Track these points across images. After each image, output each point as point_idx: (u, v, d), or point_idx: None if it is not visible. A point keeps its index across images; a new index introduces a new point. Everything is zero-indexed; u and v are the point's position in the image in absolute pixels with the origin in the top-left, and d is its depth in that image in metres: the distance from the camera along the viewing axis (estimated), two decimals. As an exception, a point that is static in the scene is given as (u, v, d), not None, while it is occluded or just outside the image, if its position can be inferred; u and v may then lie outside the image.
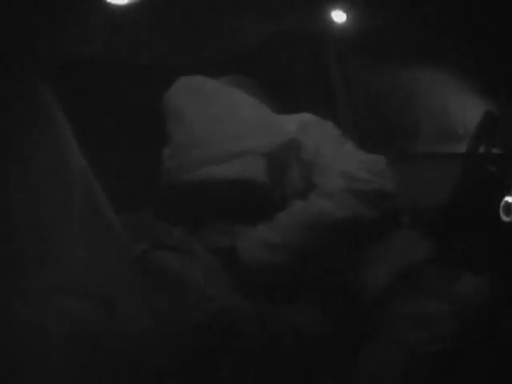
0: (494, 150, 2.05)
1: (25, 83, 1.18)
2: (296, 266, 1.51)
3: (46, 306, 1.11)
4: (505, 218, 1.87)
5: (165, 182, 1.69)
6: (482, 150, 2.03)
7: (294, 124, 1.74)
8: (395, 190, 1.59)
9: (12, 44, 1.27)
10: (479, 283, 1.72)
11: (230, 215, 1.59)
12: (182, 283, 1.41)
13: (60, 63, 2.01)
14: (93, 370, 1.14)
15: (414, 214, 1.91)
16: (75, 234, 1.19)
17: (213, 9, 2.14)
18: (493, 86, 2.27)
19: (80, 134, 1.28)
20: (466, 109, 2.39)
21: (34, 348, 1.08)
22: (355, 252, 1.60)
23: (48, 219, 1.15)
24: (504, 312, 1.68)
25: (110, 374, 1.16)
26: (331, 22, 2.47)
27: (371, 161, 1.64)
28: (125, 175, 2.01)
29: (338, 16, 2.46)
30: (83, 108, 1.78)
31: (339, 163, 1.62)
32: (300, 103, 1.96)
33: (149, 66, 2.37)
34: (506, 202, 1.87)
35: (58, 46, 2.04)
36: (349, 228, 1.52)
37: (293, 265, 1.50)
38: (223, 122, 1.67)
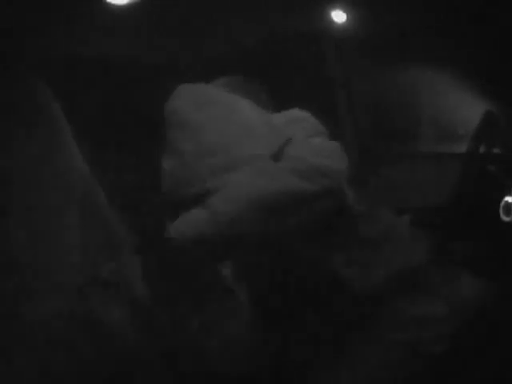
0: (494, 150, 2.05)
1: (24, 83, 1.18)
2: (230, 242, 1.50)
3: (46, 306, 1.11)
4: (505, 218, 1.87)
5: (171, 194, 1.68)
6: (482, 149, 2.03)
7: (286, 122, 1.77)
8: (336, 167, 1.57)
9: (12, 44, 1.27)
10: (479, 283, 1.72)
11: None
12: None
13: (60, 63, 2.01)
14: (92, 370, 1.14)
15: (414, 214, 1.91)
16: (75, 234, 1.19)
17: (213, 9, 2.14)
18: (493, 86, 2.27)
19: (80, 134, 1.28)
20: (466, 109, 2.40)
21: (33, 348, 1.08)
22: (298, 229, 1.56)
23: (47, 219, 1.15)
24: (504, 312, 1.68)
25: (110, 373, 1.16)
26: (331, 22, 2.47)
27: (322, 145, 1.65)
28: (125, 175, 2.01)
29: (338, 16, 2.46)
30: (83, 108, 1.78)
31: (295, 151, 1.62)
32: (300, 103, 1.96)
33: (149, 66, 2.37)
34: (506, 202, 1.87)
35: (58, 46, 2.04)
36: (282, 201, 1.51)
37: (225, 240, 1.50)
38: (228, 129, 1.66)
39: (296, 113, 1.81)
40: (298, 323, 1.57)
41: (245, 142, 1.63)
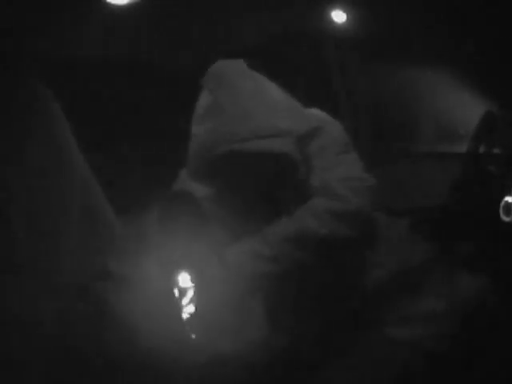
0: (494, 150, 2.05)
1: (24, 83, 1.18)
2: (283, 277, 1.58)
3: (46, 306, 1.11)
4: (505, 218, 1.87)
5: (198, 155, 1.74)
6: (481, 149, 2.03)
7: (314, 114, 1.83)
8: (370, 209, 1.66)
9: (12, 44, 1.27)
10: (479, 283, 1.72)
11: (267, 187, 1.70)
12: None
13: (60, 63, 2.01)
14: (92, 370, 1.14)
15: (414, 214, 1.91)
16: (74, 235, 1.19)
17: (213, 9, 2.14)
18: (493, 86, 2.27)
19: (80, 134, 1.28)
20: (466, 109, 2.39)
21: (32, 348, 1.08)
22: (337, 265, 1.66)
23: (47, 219, 1.15)
24: (504, 312, 1.68)
25: (109, 374, 1.16)
26: (331, 22, 2.47)
27: (358, 178, 1.70)
28: (125, 175, 2.01)
29: (338, 16, 2.46)
30: (83, 108, 1.78)
31: (334, 172, 1.69)
32: (300, 103, 1.96)
33: (149, 66, 2.37)
34: (506, 202, 1.87)
35: (58, 46, 2.04)
36: (327, 244, 1.61)
37: (280, 275, 1.58)
38: (266, 100, 1.75)
39: (321, 113, 1.85)
40: (299, 323, 1.58)
41: (280, 115, 1.73)
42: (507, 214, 1.85)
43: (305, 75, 2.63)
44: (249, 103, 1.72)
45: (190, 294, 1.55)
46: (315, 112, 1.86)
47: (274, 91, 1.80)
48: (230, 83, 1.76)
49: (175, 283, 1.54)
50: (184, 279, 1.56)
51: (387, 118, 2.72)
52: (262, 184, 1.71)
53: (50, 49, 1.99)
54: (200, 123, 1.76)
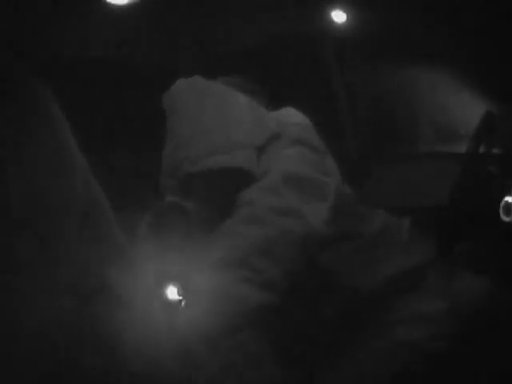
0: (494, 150, 2.04)
1: (24, 83, 1.18)
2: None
3: (46, 306, 1.11)
4: (505, 218, 1.87)
5: (167, 175, 1.73)
6: (482, 150, 2.03)
7: (276, 119, 1.82)
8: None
9: (12, 44, 1.27)
10: (479, 283, 1.72)
11: (227, 201, 1.67)
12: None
13: (60, 63, 2.01)
14: (91, 370, 1.14)
15: (414, 214, 1.91)
16: (74, 234, 1.19)
17: (212, 9, 2.14)
18: (493, 86, 2.27)
19: (80, 134, 1.28)
20: (466, 109, 2.39)
21: (32, 348, 1.08)
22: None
23: (47, 219, 1.15)
24: (504, 312, 1.68)
25: (109, 374, 1.16)
26: (331, 22, 2.47)
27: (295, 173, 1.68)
28: (125, 175, 2.01)
29: (338, 16, 2.46)
30: (83, 108, 1.78)
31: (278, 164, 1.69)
32: (300, 103, 1.96)
33: (149, 66, 2.37)
34: (506, 201, 1.87)
35: (58, 46, 2.04)
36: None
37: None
38: (222, 116, 1.74)
39: (286, 114, 1.85)
40: (300, 324, 1.57)
41: (233, 130, 1.71)
42: (507, 214, 1.85)
43: (304, 75, 2.63)
44: (201, 123, 1.71)
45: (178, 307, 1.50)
46: (284, 113, 1.85)
47: (234, 104, 1.78)
48: (183, 106, 1.76)
49: (164, 296, 1.49)
50: (172, 292, 1.50)
51: (387, 118, 2.72)
52: (229, 200, 1.68)
53: (49, 49, 1.99)
54: (166, 146, 1.77)
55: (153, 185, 1.82)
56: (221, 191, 1.69)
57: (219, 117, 1.73)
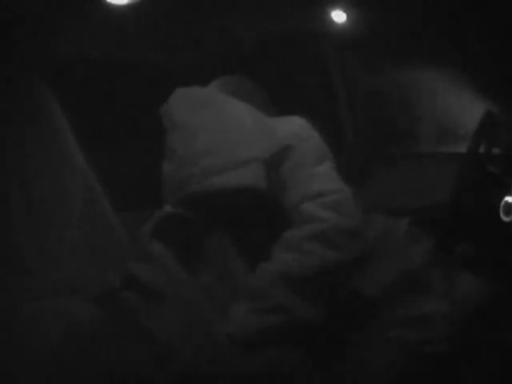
0: (494, 150, 2.04)
1: (24, 83, 1.18)
2: (285, 323, 1.51)
3: (46, 306, 1.11)
4: (505, 218, 1.87)
5: (168, 196, 1.69)
6: (481, 150, 2.03)
7: (287, 129, 1.73)
8: (353, 223, 1.58)
9: (12, 44, 1.27)
10: (479, 283, 1.72)
11: (236, 223, 1.60)
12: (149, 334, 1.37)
13: (60, 63, 2.01)
14: (91, 370, 1.14)
15: (414, 215, 1.91)
16: (75, 234, 1.19)
17: (213, 9, 2.14)
18: (493, 86, 2.27)
19: (80, 134, 1.28)
20: (466, 109, 2.39)
21: (32, 348, 1.08)
22: (336, 291, 1.60)
23: (47, 219, 1.15)
24: (504, 312, 1.68)
25: (109, 374, 1.16)
26: (331, 22, 2.46)
27: (331, 191, 1.62)
28: (125, 175, 2.01)
29: (338, 16, 2.46)
30: (83, 108, 1.77)
31: (305, 190, 1.61)
32: (300, 103, 1.96)
33: (149, 66, 2.37)
34: (506, 201, 1.87)
35: (58, 46, 2.04)
36: (320, 273, 1.54)
37: (281, 322, 1.50)
38: (224, 131, 1.67)
39: (297, 124, 1.78)
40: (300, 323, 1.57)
41: (239, 145, 1.63)
42: (507, 214, 1.85)
43: (304, 75, 2.63)
44: (201, 140, 1.64)
45: None
46: (292, 123, 1.79)
47: (236, 115, 1.71)
48: (182, 122, 1.69)
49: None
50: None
51: (387, 118, 2.72)
52: (235, 221, 1.61)
53: (50, 49, 1.99)
54: (165, 162, 1.71)
55: (153, 185, 1.81)
56: (227, 210, 1.61)
57: (220, 132, 1.66)
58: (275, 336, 1.49)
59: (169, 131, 1.72)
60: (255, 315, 1.50)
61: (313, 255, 1.53)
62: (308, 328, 1.52)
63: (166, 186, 1.71)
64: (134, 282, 1.44)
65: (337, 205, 1.59)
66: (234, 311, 1.52)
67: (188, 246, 1.57)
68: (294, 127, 1.75)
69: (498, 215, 1.87)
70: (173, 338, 1.31)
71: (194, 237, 1.59)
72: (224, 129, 1.68)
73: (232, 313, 1.52)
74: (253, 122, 1.71)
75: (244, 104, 1.76)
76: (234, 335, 1.47)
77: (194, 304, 1.42)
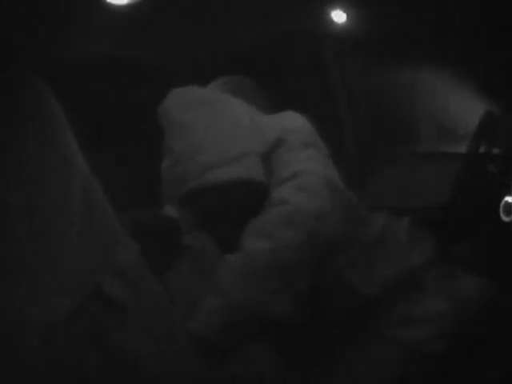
0: (494, 150, 2.04)
1: (24, 83, 1.18)
2: (249, 320, 1.50)
3: (46, 306, 1.11)
4: (505, 218, 1.87)
5: (167, 193, 1.70)
6: (482, 150, 2.03)
7: (279, 123, 1.77)
8: (321, 205, 1.57)
9: (12, 44, 1.27)
10: (479, 283, 1.72)
11: (235, 216, 1.62)
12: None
13: (60, 63, 2.01)
14: (91, 371, 1.14)
15: (414, 214, 1.91)
16: (74, 234, 1.19)
17: (212, 9, 2.14)
18: (493, 86, 2.27)
19: (80, 134, 1.28)
20: (466, 109, 2.39)
21: (32, 348, 1.08)
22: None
23: (47, 219, 1.15)
24: (504, 312, 1.68)
25: (109, 374, 1.16)
26: (331, 21, 2.47)
27: (304, 172, 1.63)
28: (125, 175, 2.01)
29: (338, 16, 2.46)
30: (83, 108, 1.78)
31: (284, 171, 1.63)
32: (299, 103, 1.96)
33: (149, 66, 2.37)
34: (506, 201, 1.87)
35: (58, 46, 2.04)
36: (285, 258, 1.52)
37: (245, 319, 1.50)
38: (219, 127, 1.69)
39: (289, 118, 1.81)
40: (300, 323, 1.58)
41: (233, 141, 1.66)
42: (507, 214, 1.85)
43: (304, 75, 2.63)
44: (197, 136, 1.66)
45: None
46: (286, 118, 1.82)
47: (233, 113, 1.73)
48: (178, 120, 1.70)
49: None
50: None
51: (387, 118, 2.72)
52: (235, 214, 1.63)
53: (50, 49, 1.99)
54: (164, 159, 1.73)
55: (153, 185, 1.81)
56: (226, 204, 1.64)
57: (216, 128, 1.68)
58: (239, 334, 1.48)
59: (166, 130, 1.74)
60: (219, 312, 1.48)
61: (277, 238, 1.51)
62: (278, 325, 1.51)
63: (164, 184, 1.73)
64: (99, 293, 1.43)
65: (308, 185, 1.58)
66: (200, 308, 1.51)
67: (166, 243, 1.57)
68: (286, 120, 1.77)
69: (498, 215, 1.87)
70: (137, 351, 1.29)
71: (172, 235, 1.59)
72: (220, 126, 1.70)
73: (198, 310, 1.51)
74: (250, 119, 1.73)
75: (241, 102, 1.78)
76: (199, 333, 1.46)
77: (159, 312, 1.39)
